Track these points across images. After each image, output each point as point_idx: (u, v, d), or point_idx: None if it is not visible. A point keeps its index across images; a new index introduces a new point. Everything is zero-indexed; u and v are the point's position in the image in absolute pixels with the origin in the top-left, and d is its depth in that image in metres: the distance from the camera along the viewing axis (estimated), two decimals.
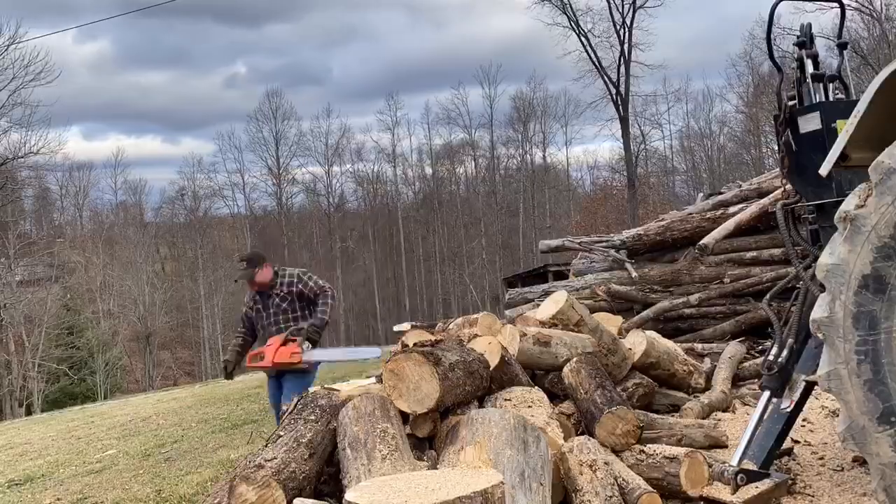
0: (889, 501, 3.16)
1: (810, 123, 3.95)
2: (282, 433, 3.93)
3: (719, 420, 5.73)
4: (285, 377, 6.22)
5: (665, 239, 9.12)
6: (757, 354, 7.37)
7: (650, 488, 3.85)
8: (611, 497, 3.74)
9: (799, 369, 3.92)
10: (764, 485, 3.95)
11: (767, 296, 4.08)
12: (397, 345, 6.08)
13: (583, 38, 38.68)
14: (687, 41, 66.28)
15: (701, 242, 8.02)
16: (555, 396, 5.02)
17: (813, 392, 4.20)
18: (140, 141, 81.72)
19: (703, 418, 5.69)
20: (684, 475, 4.00)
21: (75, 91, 71.07)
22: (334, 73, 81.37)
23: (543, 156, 58.35)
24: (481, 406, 4.34)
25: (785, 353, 3.90)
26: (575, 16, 38.57)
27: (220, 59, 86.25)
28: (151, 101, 78.91)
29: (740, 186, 9.81)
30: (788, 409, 3.98)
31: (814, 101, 4.12)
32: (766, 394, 3.99)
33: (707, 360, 7.12)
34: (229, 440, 8.24)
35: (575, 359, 4.92)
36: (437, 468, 3.58)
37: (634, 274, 8.74)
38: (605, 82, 39.11)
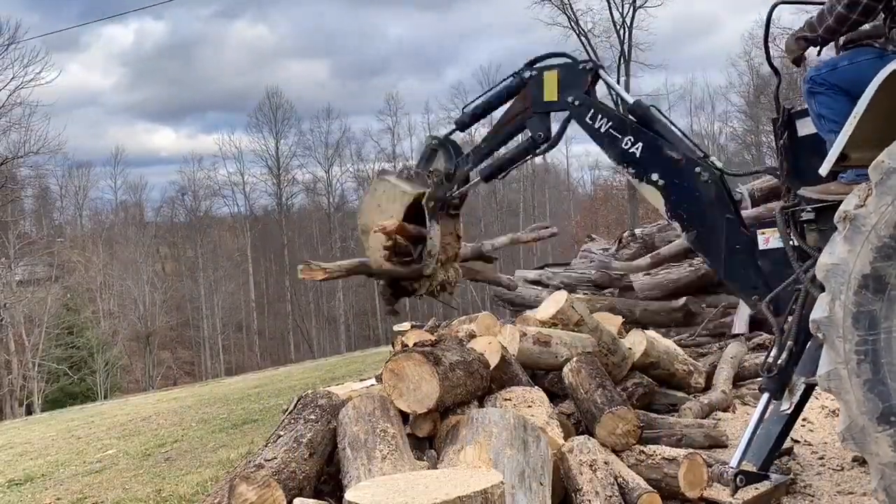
0: (889, 501, 3.16)
1: (808, 126, 3.95)
2: (282, 433, 3.93)
3: (719, 420, 5.73)
4: None
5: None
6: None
7: (650, 488, 3.86)
8: (611, 497, 3.74)
9: (798, 372, 3.92)
10: (763, 486, 3.95)
11: (767, 298, 4.07)
12: (397, 345, 6.09)
13: (583, 38, 38.71)
14: (687, 41, 66.32)
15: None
16: (555, 396, 5.02)
17: (813, 392, 4.21)
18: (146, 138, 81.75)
19: (703, 418, 5.69)
20: (683, 477, 4.00)
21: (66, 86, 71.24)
22: (335, 74, 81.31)
23: (543, 156, 58.33)
24: (481, 406, 4.34)
25: (784, 355, 3.89)
26: (575, 16, 38.61)
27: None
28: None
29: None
30: (788, 411, 3.98)
31: None
32: (766, 395, 3.99)
33: (707, 358, 7.13)
34: (229, 440, 8.23)
35: (575, 358, 4.92)
36: (437, 468, 3.58)
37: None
38: (605, 82, 39.09)
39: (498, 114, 5.33)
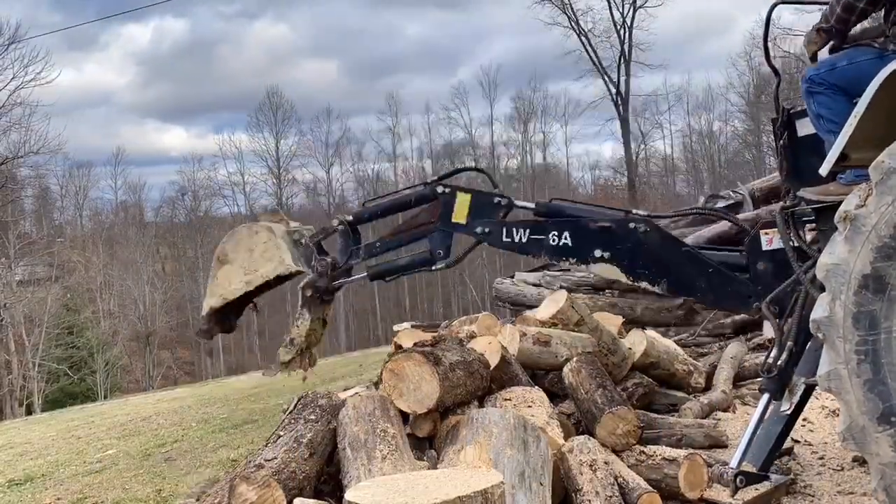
0: (889, 501, 3.16)
1: (808, 127, 3.95)
2: (282, 433, 3.94)
3: (719, 420, 5.73)
4: None
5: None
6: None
7: (650, 488, 3.86)
8: (611, 497, 3.74)
9: (798, 372, 3.92)
10: (763, 487, 3.95)
11: (767, 298, 4.07)
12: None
13: (583, 38, 38.76)
14: (688, 40, 66.29)
15: None
16: (555, 396, 5.02)
17: (813, 392, 4.21)
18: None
19: (703, 418, 5.69)
20: (683, 478, 4.00)
21: (80, 84, 71.44)
22: (334, 73, 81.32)
23: (544, 156, 58.41)
24: (481, 406, 4.34)
25: (784, 355, 3.89)
26: (575, 15, 38.69)
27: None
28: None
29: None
30: (788, 412, 3.98)
31: None
32: (766, 396, 3.99)
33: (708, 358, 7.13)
34: (229, 440, 8.23)
35: (575, 358, 4.92)
36: (437, 468, 3.58)
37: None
38: (605, 82, 39.14)
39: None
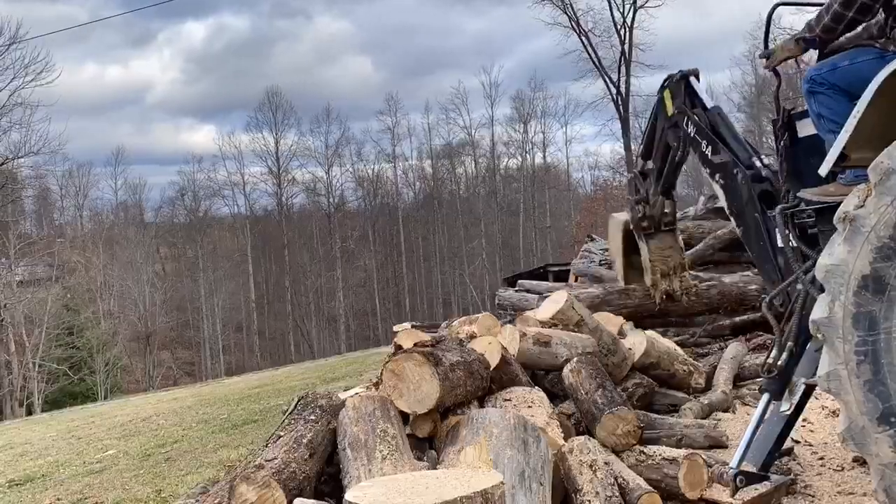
0: (889, 502, 3.16)
1: (808, 128, 3.96)
2: (282, 433, 3.94)
3: (719, 420, 5.73)
4: None
5: None
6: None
7: (650, 488, 3.86)
8: (611, 497, 3.74)
9: (798, 373, 3.92)
10: (763, 487, 3.95)
11: (767, 299, 4.08)
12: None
13: (583, 38, 38.73)
14: (688, 40, 66.25)
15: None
16: (555, 396, 5.02)
17: (813, 392, 4.21)
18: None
19: (703, 418, 5.69)
20: (683, 478, 4.00)
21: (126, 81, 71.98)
22: (334, 73, 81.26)
23: (543, 156, 58.41)
24: (481, 406, 4.34)
25: (784, 356, 3.90)
26: (576, 16, 38.64)
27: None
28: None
29: None
30: (788, 413, 3.98)
31: None
32: (766, 396, 3.99)
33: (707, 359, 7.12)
34: (229, 440, 8.22)
35: (575, 359, 4.92)
36: (437, 468, 3.58)
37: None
38: (605, 82, 39.13)
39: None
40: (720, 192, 5.07)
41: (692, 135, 5.41)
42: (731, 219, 5.03)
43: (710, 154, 5.17)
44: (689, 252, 8.43)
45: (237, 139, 62.74)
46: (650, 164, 6.57)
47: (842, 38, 3.85)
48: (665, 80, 5.85)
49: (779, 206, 4.15)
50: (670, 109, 5.73)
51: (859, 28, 3.78)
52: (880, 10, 3.62)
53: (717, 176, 5.07)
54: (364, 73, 79.63)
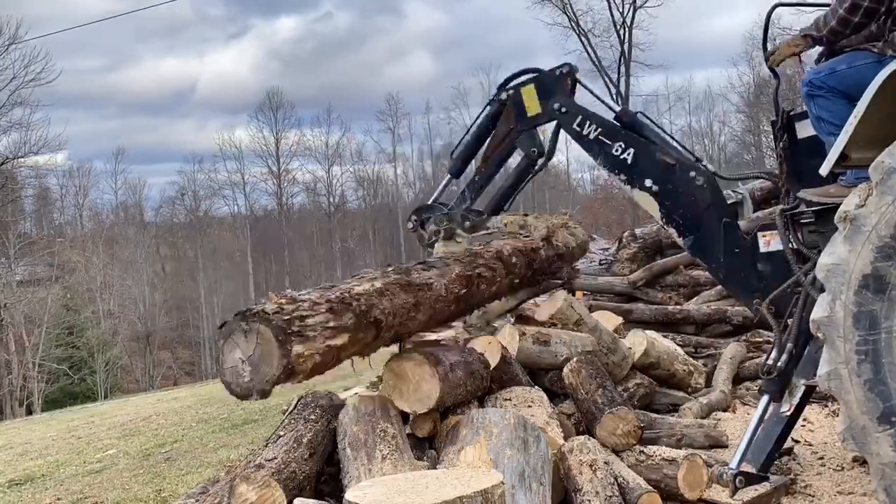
0: (889, 501, 3.16)
1: (808, 129, 3.96)
2: (282, 433, 3.94)
3: (719, 420, 5.73)
4: None
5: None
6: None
7: (650, 488, 3.85)
8: (611, 497, 3.74)
9: (798, 374, 3.92)
10: (763, 488, 3.95)
11: (767, 299, 4.08)
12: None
13: (583, 38, 38.71)
14: (688, 40, 66.28)
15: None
16: (555, 395, 5.01)
17: (812, 393, 4.21)
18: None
19: (703, 418, 5.69)
20: (683, 478, 4.00)
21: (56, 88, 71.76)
22: (334, 73, 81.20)
23: None
24: (481, 406, 4.34)
25: (784, 357, 3.90)
26: (575, 16, 38.62)
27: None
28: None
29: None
30: (788, 413, 3.98)
31: None
32: (766, 397, 3.99)
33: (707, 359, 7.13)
34: (229, 440, 8.22)
35: (575, 359, 4.91)
36: (437, 468, 3.58)
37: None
38: (605, 82, 39.11)
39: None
40: (649, 199, 4.44)
41: (592, 136, 4.65)
42: (672, 230, 4.44)
43: (630, 157, 4.51)
44: None
45: (237, 139, 62.83)
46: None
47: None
48: (508, 82, 5.03)
49: (779, 207, 4.14)
50: (533, 109, 4.90)
51: (866, 30, 3.78)
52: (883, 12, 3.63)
53: (646, 181, 4.43)
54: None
